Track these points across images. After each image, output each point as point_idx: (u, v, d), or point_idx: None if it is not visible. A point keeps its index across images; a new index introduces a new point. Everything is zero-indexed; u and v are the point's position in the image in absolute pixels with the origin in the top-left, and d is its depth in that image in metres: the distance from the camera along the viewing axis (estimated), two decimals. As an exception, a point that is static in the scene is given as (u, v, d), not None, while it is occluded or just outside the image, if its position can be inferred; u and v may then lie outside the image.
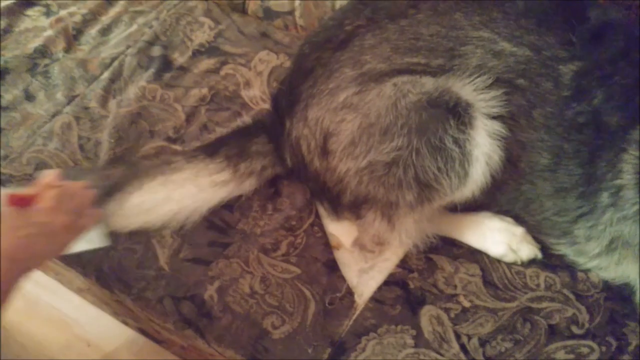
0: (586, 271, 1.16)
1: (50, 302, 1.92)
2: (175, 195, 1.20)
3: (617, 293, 1.13)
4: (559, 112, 1.08)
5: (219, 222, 1.25)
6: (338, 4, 1.56)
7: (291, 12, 1.67)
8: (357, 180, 1.13)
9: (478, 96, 1.08)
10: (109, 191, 1.17)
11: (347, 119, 1.12)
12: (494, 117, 1.09)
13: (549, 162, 1.10)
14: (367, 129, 1.09)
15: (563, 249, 1.16)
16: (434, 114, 1.06)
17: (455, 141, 1.06)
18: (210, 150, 1.25)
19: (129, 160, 1.35)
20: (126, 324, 1.70)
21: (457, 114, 1.07)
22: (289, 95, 1.22)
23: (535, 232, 1.20)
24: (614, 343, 1.07)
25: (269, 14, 1.71)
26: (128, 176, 1.20)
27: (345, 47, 1.15)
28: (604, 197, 1.06)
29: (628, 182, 1.03)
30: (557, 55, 1.08)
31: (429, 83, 1.08)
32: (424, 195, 1.10)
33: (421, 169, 1.07)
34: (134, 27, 1.69)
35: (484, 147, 1.08)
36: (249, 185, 1.26)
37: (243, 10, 1.76)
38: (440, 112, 1.06)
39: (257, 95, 1.49)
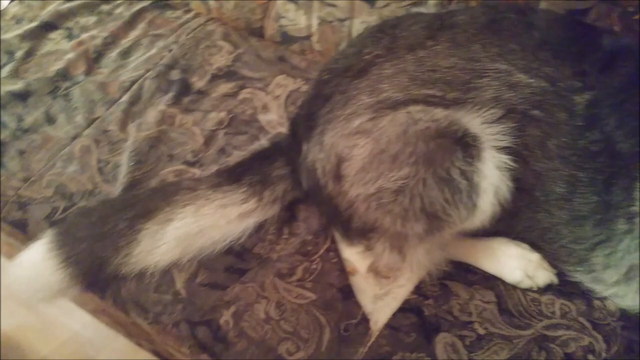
0: (602, 299, 1.15)
1: (65, 322, 1.94)
2: (206, 229, 1.21)
3: (635, 322, 1.12)
4: (573, 141, 1.08)
5: (236, 246, 1.25)
6: (355, 30, 1.58)
7: (308, 37, 1.69)
8: (365, 206, 1.12)
9: (486, 129, 1.08)
10: (142, 214, 1.19)
11: (359, 144, 1.11)
12: (506, 148, 1.09)
13: (565, 191, 1.09)
14: (377, 155, 1.09)
15: (580, 276, 1.15)
16: (441, 144, 1.06)
17: (462, 173, 1.05)
18: (233, 178, 1.25)
19: (150, 184, 1.37)
20: (140, 345, 1.71)
21: (465, 145, 1.06)
22: (307, 119, 1.23)
23: (551, 260, 1.19)
24: (631, 374, 1.06)
25: (286, 39, 1.74)
26: (156, 200, 1.21)
27: (364, 76, 1.16)
28: (621, 224, 1.05)
29: None
30: (571, 86, 1.08)
31: (440, 113, 1.08)
32: (433, 225, 1.09)
33: (428, 200, 1.06)
34: (154, 50, 1.72)
35: (492, 178, 1.07)
36: (272, 211, 1.27)
37: (261, 35, 1.79)
38: (448, 143, 1.06)
39: (275, 119, 1.51)
